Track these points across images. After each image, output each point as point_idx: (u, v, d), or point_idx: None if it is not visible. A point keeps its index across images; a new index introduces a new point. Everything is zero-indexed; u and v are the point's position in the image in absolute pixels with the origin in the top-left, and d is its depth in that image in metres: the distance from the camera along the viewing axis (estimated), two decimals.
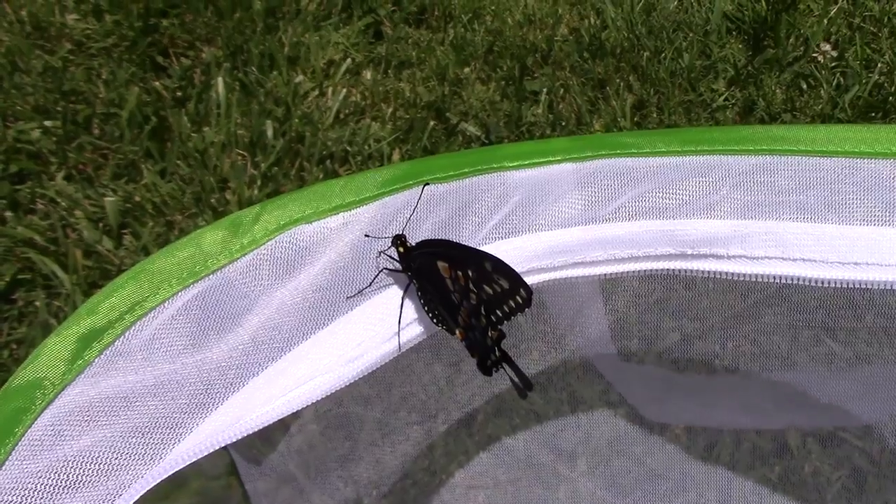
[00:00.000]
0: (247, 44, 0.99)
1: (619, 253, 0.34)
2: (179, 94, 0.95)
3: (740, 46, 1.01)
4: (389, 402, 0.52)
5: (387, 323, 0.32)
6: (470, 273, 0.31)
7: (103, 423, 0.29)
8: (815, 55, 0.99)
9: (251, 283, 0.33)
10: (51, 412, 0.29)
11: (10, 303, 0.81)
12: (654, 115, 0.96)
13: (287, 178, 0.90)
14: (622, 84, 0.98)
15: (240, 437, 0.29)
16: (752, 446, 0.56)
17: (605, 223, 0.34)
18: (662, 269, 0.34)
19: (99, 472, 0.28)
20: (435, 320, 0.33)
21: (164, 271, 0.32)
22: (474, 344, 0.32)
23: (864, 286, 0.31)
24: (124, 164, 0.89)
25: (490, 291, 0.31)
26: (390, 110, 0.96)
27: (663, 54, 0.99)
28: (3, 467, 0.27)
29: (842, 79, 0.97)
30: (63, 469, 0.28)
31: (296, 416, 0.48)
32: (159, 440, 0.29)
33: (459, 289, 0.31)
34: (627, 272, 0.34)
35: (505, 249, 0.33)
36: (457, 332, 0.32)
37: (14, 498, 0.27)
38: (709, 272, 0.33)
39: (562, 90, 0.98)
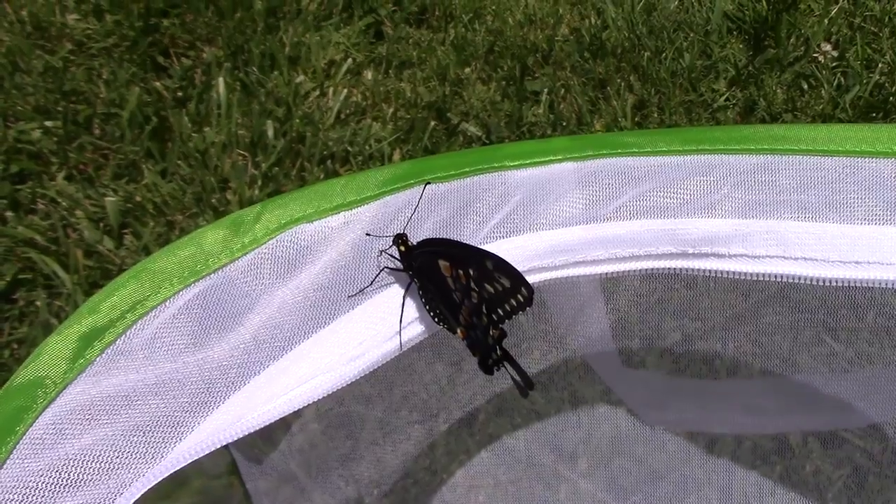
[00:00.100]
0: (247, 44, 0.99)
1: (620, 252, 0.34)
2: (180, 94, 0.95)
3: (741, 46, 1.01)
4: (391, 401, 0.52)
5: (388, 322, 0.32)
6: (471, 272, 0.31)
7: (104, 421, 0.29)
8: (815, 55, 0.99)
9: (252, 282, 0.33)
10: (52, 411, 0.29)
11: (11, 302, 0.81)
12: (655, 115, 0.96)
13: (288, 178, 0.90)
14: (623, 84, 0.98)
15: (241, 436, 0.29)
16: (752, 445, 0.56)
17: (607, 222, 0.34)
18: (664, 269, 0.34)
19: (100, 470, 0.28)
20: (436, 319, 0.33)
21: (166, 270, 0.32)
22: (475, 343, 0.32)
23: (865, 285, 0.31)
24: (125, 164, 0.89)
25: (491, 290, 0.31)
26: (391, 110, 0.96)
27: (664, 54, 0.99)
28: (5, 466, 0.27)
29: (842, 79, 0.97)
30: (64, 467, 0.28)
31: (297, 414, 0.48)
32: (160, 439, 0.29)
33: (461, 287, 0.31)
34: (628, 271, 0.34)
35: (506, 248, 0.34)
36: (458, 330, 0.32)
37: (15, 496, 0.27)
38: (710, 271, 0.33)
39: (563, 90, 0.98)
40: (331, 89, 0.98)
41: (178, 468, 0.28)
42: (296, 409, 0.30)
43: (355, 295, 0.33)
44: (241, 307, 0.32)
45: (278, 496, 0.49)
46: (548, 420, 0.56)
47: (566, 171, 0.35)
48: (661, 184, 0.34)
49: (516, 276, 0.31)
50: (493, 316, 0.32)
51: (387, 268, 0.34)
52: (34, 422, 0.28)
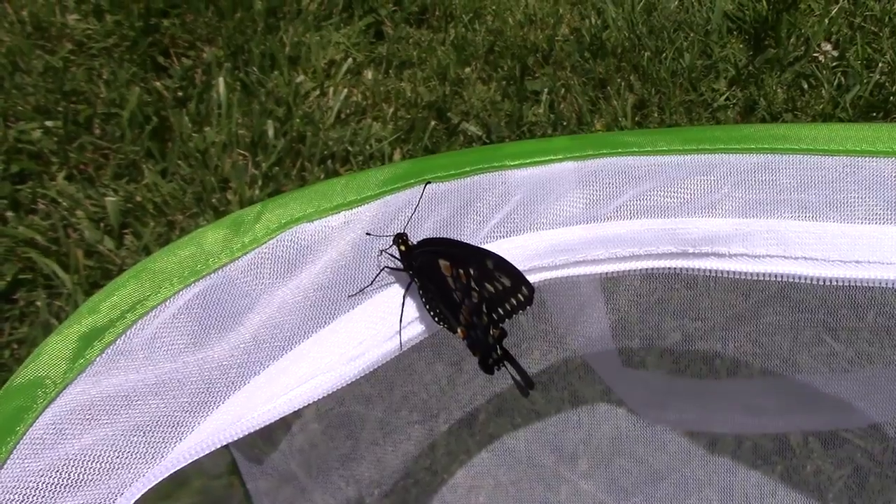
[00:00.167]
0: (248, 44, 0.99)
1: (620, 251, 0.34)
2: (180, 94, 0.95)
3: (741, 46, 1.01)
4: (391, 401, 0.52)
5: (388, 321, 0.32)
6: (471, 271, 0.31)
7: (105, 421, 0.29)
8: (816, 55, 0.99)
9: (252, 281, 0.33)
10: (52, 411, 0.29)
11: (12, 303, 0.81)
12: (655, 115, 0.96)
13: (288, 178, 0.90)
14: (623, 84, 0.97)
15: (241, 436, 0.29)
16: (753, 445, 0.56)
17: (607, 222, 0.34)
18: (664, 268, 0.34)
19: (100, 470, 0.28)
20: (436, 319, 0.33)
21: (166, 270, 0.32)
22: (476, 342, 0.32)
23: (865, 285, 0.31)
24: (125, 164, 0.89)
25: (491, 289, 0.31)
26: (391, 110, 0.96)
27: (664, 54, 0.99)
28: (5, 466, 0.27)
29: (843, 78, 0.97)
30: (64, 467, 0.28)
31: (297, 414, 0.48)
32: (161, 439, 0.29)
33: (461, 287, 0.31)
34: (629, 271, 0.34)
35: (506, 248, 0.33)
36: (458, 330, 0.32)
37: (16, 496, 0.27)
38: (710, 271, 0.33)
39: (563, 90, 0.98)
40: (331, 89, 0.98)
41: (178, 468, 0.28)
42: (296, 409, 0.30)
43: (355, 294, 0.33)
44: (242, 307, 0.32)
45: (279, 496, 0.49)
46: (548, 420, 0.56)
47: (566, 170, 0.35)
48: (662, 183, 0.34)
49: (517, 276, 0.31)
50: (494, 315, 0.32)
51: (387, 267, 0.34)
52: (34, 422, 0.28)
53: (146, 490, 0.28)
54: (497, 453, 0.57)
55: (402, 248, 0.33)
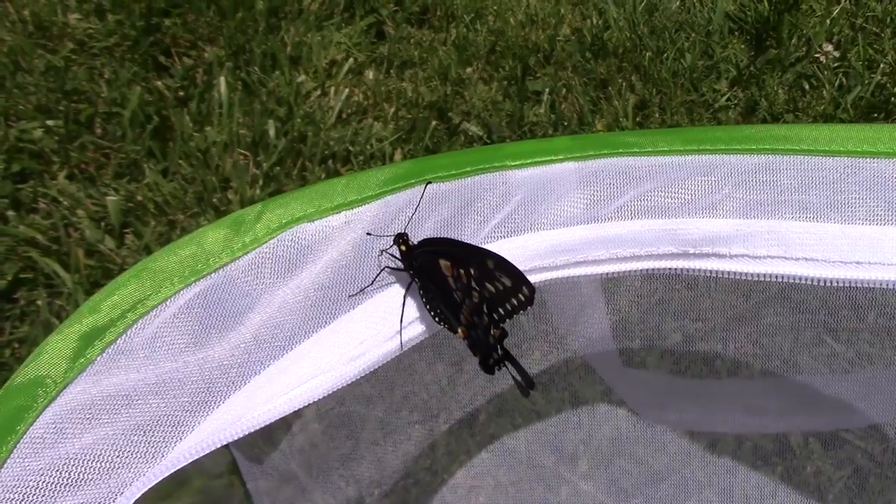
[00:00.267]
0: (249, 43, 0.99)
1: (621, 252, 0.34)
2: (181, 93, 0.95)
3: (742, 47, 1.01)
4: (391, 401, 0.52)
5: (389, 321, 0.32)
6: (472, 271, 0.31)
7: (105, 421, 0.29)
8: (817, 55, 0.99)
9: (253, 281, 0.33)
10: (53, 410, 0.29)
11: (12, 302, 0.81)
12: (657, 116, 0.96)
13: (289, 177, 0.90)
14: (624, 84, 0.97)
15: (241, 436, 0.29)
16: (753, 446, 0.56)
17: (608, 222, 0.34)
18: (665, 269, 0.34)
19: (101, 469, 0.28)
20: (437, 319, 0.33)
21: (166, 269, 0.32)
22: (476, 342, 0.32)
23: (866, 285, 0.31)
24: (126, 163, 0.89)
25: (492, 289, 0.31)
26: (392, 110, 0.96)
27: (665, 54, 0.99)
28: (5, 465, 0.27)
29: (844, 79, 0.97)
30: (65, 467, 0.28)
31: (297, 414, 0.48)
32: (161, 438, 0.29)
33: (461, 287, 0.31)
34: (629, 271, 0.34)
35: (507, 248, 0.33)
36: (459, 330, 0.32)
37: (16, 495, 0.27)
38: (711, 271, 0.33)
39: (564, 90, 0.98)
40: (332, 89, 0.98)
41: (178, 468, 0.28)
42: (296, 409, 0.30)
43: (356, 294, 0.33)
44: (242, 306, 0.32)
45: (279, 496, 0.49)
46: (548, 421, 0.56)
47: (567, 170, 0.35)
48: (663, 184, 0.34)
49: (517, 276, 0.31)
50: (494, 315, 0.32)
51: (387, 267, 0.34)
52: (35, 421, 0.28)
53: (146, 489, 0.28)
54: (497, 454, 0.57)
55: (403, 248, 0.33)
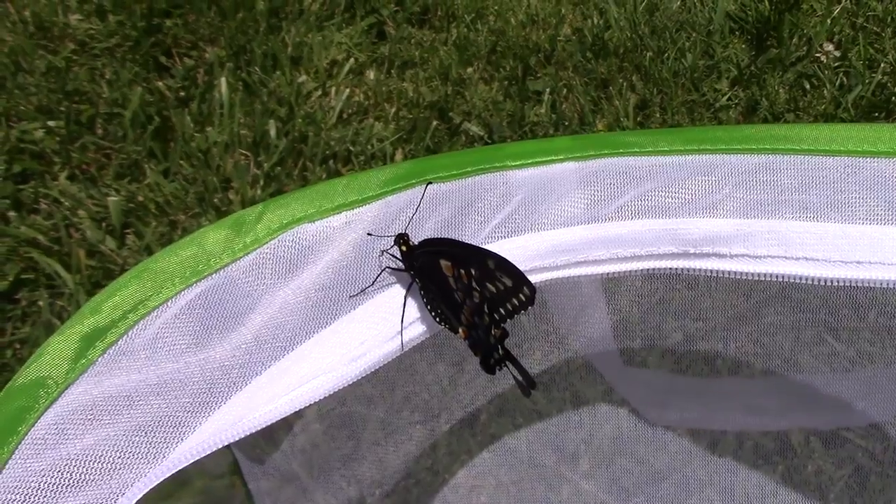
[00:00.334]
0: (250, 44, 0.99)
1: (621, 252, 0.34)
2: (182, 94, 0.96)
3: (743, 46, 1.01)
4: (392, 401, 0.52)
5: (389, 322, 0.32)
6: (473, 271, 0.31)
7: (106, 421, 0.29)
8: (818, 55, 0.99)
9: (254, 282, 0.33)
10: (54, 411, 0.29)
11: (14, 302, 0.81)
12: (657, 115, 0.96)
13: (290, 177, 0.90)
14: (625, 84, 0.97)
15: (243, 436, 0.29)
16: (754, 445, 0.56)
17: (608, 222, 0.34)
18: (665, 269, 0.34)
19: (102, 470, 0.28)
20: (438, 319, 0.33)
21: (167, 270, 0.32)
22: (477, 342, 0.32)
23: (866, 285, 0.31)
24: (127, 163, 0.89)
25: (493, 289, 0.31)
26: (393, 110, 0.96)
27: (666, 54, 0.99)
28: (7, 466, 0.27)
29: (845, 79, 0.97)
30: (66, 467, 0.28)
31: (299, 415, 0.48)
32: (162, 439, 0.29)
33: (462, 287, 0.31)
34: (630, 271, 0.34)
35: (507, 248, 0.33)
36: (460, 330, 0.32)
37: (17, 496, 0.27)
38: (711, 271, 0.33)
39: (565, 90, 0.98)
40: (333, 89, 0.98)
41: (179, 468, 0.28)
42: (298, 410, 0.30)
43: (357, 295, 0.33)
44: (243, 307, 0.32)
45: (280, 496, 0.49)
46: (549, 420, 0.56)
47: (568, 170, 0.35)
48: (663, 183, 0.34)
49: (518, 276, 0.31)
50: (495, 315, 0.32)
51: (388, 268, 0.34)
52: (36, 422, 0.29)
53: (148, 490, 0.28)
54: (498, 453, 0.57)
55: (404, 248, 0.33)
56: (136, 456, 0.29)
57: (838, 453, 0.55)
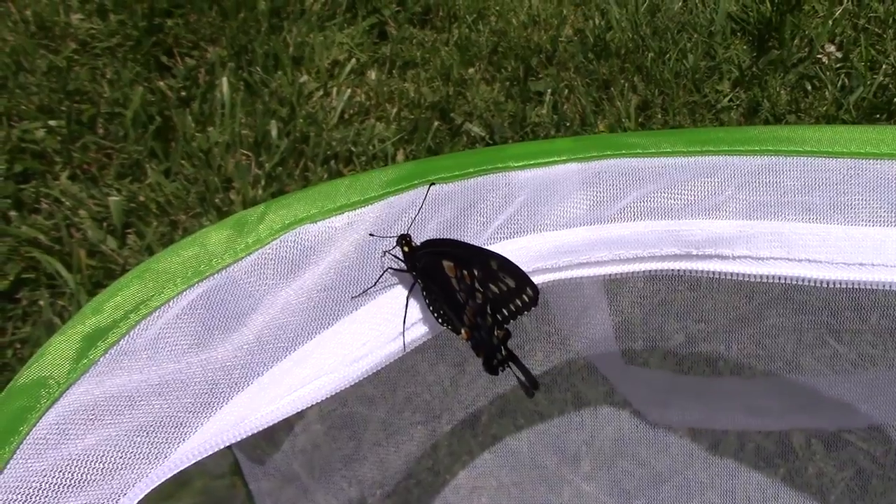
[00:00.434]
0: (251, 44, 0.99)
1: (624, 253, 0.34)
2: (184, 93, 0.96)
3: (745, 47, 1.01)
4: (394, 402, 0.52)
5: (392, 323, 0.32)
6: (475, 272, 0.31)
7: (108, 422, 0.29)
8: (819, 56, 0.99)
9: (256, 282, 0.33)
10: (56, 411, 0.29)
11: (15, 302, 0.81)
12: (659, 116, 0.96)
13: (291, 178, 0.90)
14: (627, 85, 0.97)
15: (244, 437, 0.29)
16: (756, 447, 0.56)
17: (611, 223, 0.34)
18: (668, 270, 0.34)
19: (103, 470, 0.28)
20: (440, 320, 0.33)
21: (169, 271, 0.32)
22: (480, 343, 0.32)
23: (869, 287, 0.31)
24: (128, 163, 0.89)
25: (496, 290, 0.31)
26: (395, 110, 0.96)
27: (668, 55, 0.99)
28: (8, 466, 0.27)
29: (846, 80, 0.97)
30: (68, 468, 0.28)
31: (300, 415, 0.48)
32: (164, 439, 0.29)
33: (465, 288, 0.31)
34: (633, 272, 0.34)
35: (510, 249, 0.33)
36: (462, 331, 0.32)
37: (19, 496, 0.27)
38: (714, 273, 0.33)
39: (566, 91, 0.98)
40: (334, 89, 0.98)
41: (181, 469, 0.28)
42: (299, 410, 0.30)
43: (359, 296, 0.33)
44: (245, 308, 0.32)
45: (281, 497, 0.49)
46: (551, 421, 0.56)
47: (570, 171, 0.35)
48: (666, 185, 0.34)
49: (521, 277, 0.31)
50: (498, 316, 0.32)
51: (390, 268, 0.34)
52: (38, 422, 0.28)
53: (149, 490, 0.28)
54: (500, 454, 0.57)
55: (406, 249, 0.33)
56: (137, 456, 0.29)
57: (839, 455, 0.55)
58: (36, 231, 0.83)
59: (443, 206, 0.35)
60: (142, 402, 0.30)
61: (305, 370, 0.31)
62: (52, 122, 0.91)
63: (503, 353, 0.32)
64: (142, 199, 0.87)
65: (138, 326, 0.31)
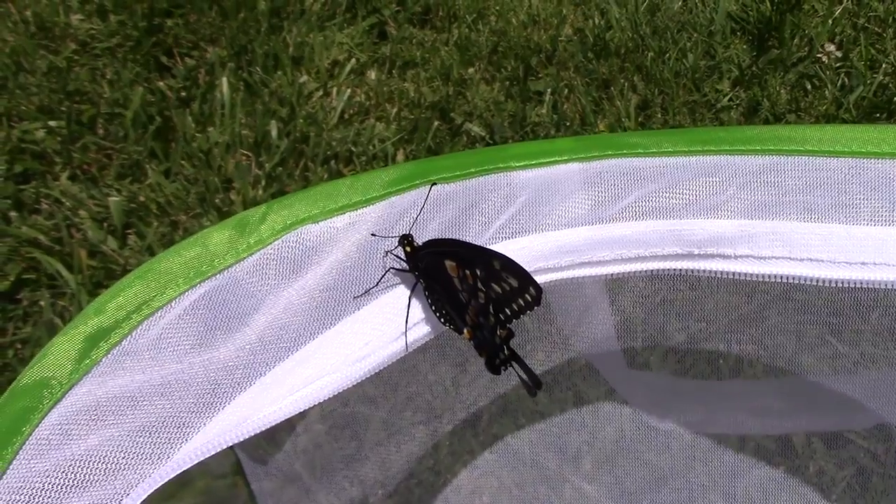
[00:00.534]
0: (251, 44, 0.99)
1: (625, 253, 0.34)
2: (184, 94, 0.96)
3: (745, 47, 1.01)
4: (395, 402, 0.52)
5: (394, 323, 0.32)
6: (478, 272, 0.31)
7: (111, 422, 0.29)
8: (819, 56, 0.99)
9: (258, 282, 0.33)
10: (58, 411, 0.29)
11: (15, 302, 0.81)
12: (659, 116, 0.96)
13: (291, 178, 0.90)
14: (626, 84, 0.97)
15: (247, 437, 0.29)
16: (756, 446, 0.56)
17: (612, 223, 0.34)
18: (669, 269, 0.34)
19: (106, 471, 0.28)
20: (442, 320, 0.33)
21: (171, 271, 0.32)
22: (483, 343, 0.32)
23: (871, 286, 0.31)
24: (129, 164, 0.89)
25: (498, 290, 0.31)
26: (395, 110, 0.96)
27: (667, 55, 0.99)
28: (11, 466, 0.27)
29: (846, 79, 0.97)
30: (70, 468, 0.28)
31: (302, 415, 0.48)
32: (166, 440, 0.29)
33: (467, 288, 0.31)
34: (634, 272, 0.34)
35: (511, 249, 0.33)
36: (465, 331, 0.32)
37: (22, 497, 0.27)
38: (716, 272, 0.33)
39: (566, 90, 0.98)
40: (334, 89, 0.98)
41: (184, 469, 0.28)
42: (301, 410, 0.30)
43: (361, 296, 0.33)
44: (247, 308, 0.32)
45: (283, 496, 0.49)
46: (552, 421, 0.56)
47: (572, 171, 0.35)
48: (667, 184, 0.34)
49: (524, 276, 0.31)
50: (501, 316, 0.32)
51: (392, 268, 0.34)
52: (40, 422, 0.28)
53: (152, 491, 0.28)
54: (501, 454, 0.57)
55: (408, 249, 0.33)
56: (140, 457, 0.29)
57: (840, 454, 0.55)
58: (36, 231, 0.83)
59: (444, 206, 0.35)
60: (144, 403, 0.30)
61: (308, 370, 0.31)
62: (52, 123, 0.91)
63: (506, 352, 0.32)
64: (142, 199, 0.87)
65: (141, 327, 0.31)
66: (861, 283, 0.32)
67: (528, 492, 0.57)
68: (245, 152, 0.91)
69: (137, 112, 0.91)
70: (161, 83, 0.96)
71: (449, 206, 0.35)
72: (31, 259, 0.82)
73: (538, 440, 0.56)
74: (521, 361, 0.33)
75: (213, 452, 0.29)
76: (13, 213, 0.85)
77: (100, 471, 0.28)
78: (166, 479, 0.28)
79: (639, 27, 1.01)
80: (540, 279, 0.33)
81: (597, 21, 1.03)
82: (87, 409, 0.29)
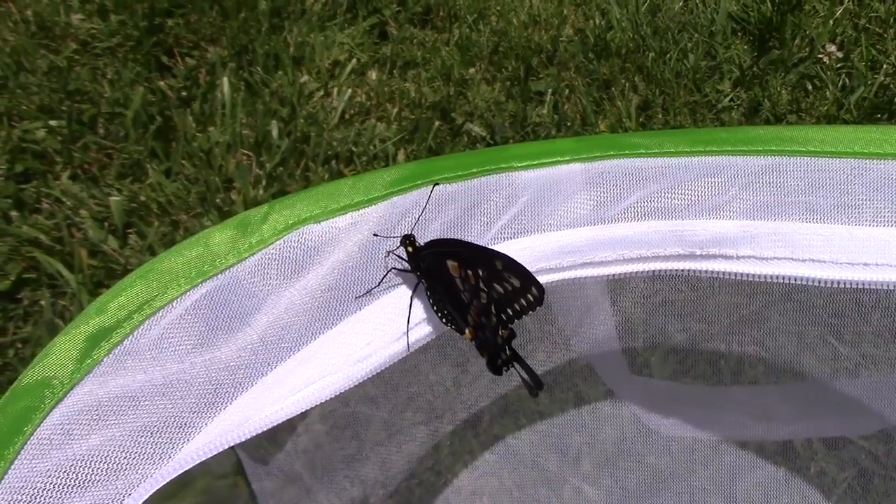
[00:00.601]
0: (252, 44, 0.99)
1: (627, 253, 0.33)
2: (184, 93, 0.95)
3: (745, 47, 1.01)
4: (396, 402, 0.52)
5: (396, 323, 0.32)
6: (480, 272, 0.31)
7: (112, 422, 0.29)
8: (820, 56, 0.99)
9: (260, 282, 0.33)
10: (60, 411, 0.29)
11: (16, 302, 0.81)
12: (660, 116, 0.96)
13: (292, 178, 0.90)
14: (627, 85, 0.97)
15: (248, 437, 0.29)
16: (757, 447, 0.56)
17: (614, 223, 0.34)
18: (671, 270, 0.34)
19: (108, 471, 0.28)
20: (444, 320, 0.33)
21: (173, 270, 0.32)
22: (484, 343, 0.32)
23: (874, 287, 0.31)
24: (129, 163, 0.89)
25: (501, 290, 0.31)
26: (395, 110, 0.96)
27: (668, 55, 0.99)
28: (13, 466, 0.27)
29: (847, 80, 0.97)
30: (72, 468, 0.28)
31: (302, 415, 0.47)
32: (168, 440, 0.29)
33: (469, 288, 0.31)
34: (636, 272, 0.34)
35: (514, 249, 0.33)
36: (466, 331, 0.32)
37: (23, 496, 0.27)
38: (718, 273, 0.33)
39: (567, 91, 0.98)
40: (335, 89, 0.98)
41: (185, 469, 0.28)
42: (303, 410, 0.30)
43: (363, 296, 0.33)
44: (249, 308, 0.32)
45: (283, 496, 0.49)
46: (552, 421, 0.56)
47: (573, 171, 0.35)
48: (669, 185, 0.34)
49: (526, 276, 0.31)
50: (502, 316, 0.32)
51: (394, 268, 0.34)
52: (42, 422, 0.28)
53: (154, 491, 0.28)
54: (501, 455, 0.57)
55: (410, 249, 0.33)
56: (141, 457, 0.29)
57: (841, 455, 0.55)
58: (37, 231, 0.83)
59: (446, 207, 0.35)
60: (146, 403, 0.30)
61: (309, 370, 0.31)
62: (52, 122, 0.91)
63: (507, 352, 0.32)
64: (143, 199, 0.87)
65: (142, 326, 0.31)
66: (863, 284, 0.32)
67: (529, 493, 0.57)
68: (246, 152, 0.91)
69: (138, 112, 0.91)
70: (162, 83, 0.96)
71: (451, 206, 0.35)
72: (31, 258, 0.82)
73: (539, 441, 0.56)
74: (523, 362, 0.33)
75: (214, 452, 0.29)
76: (14, 213, 0.85)
77: (101, 471, 0.28)
78: (168, 479, 0.28)
79: (640, 27, 1.01)
80: (542, 279, 0.33)
81: (598, 21, 1.03)
82: (89, 409, 0.29)
